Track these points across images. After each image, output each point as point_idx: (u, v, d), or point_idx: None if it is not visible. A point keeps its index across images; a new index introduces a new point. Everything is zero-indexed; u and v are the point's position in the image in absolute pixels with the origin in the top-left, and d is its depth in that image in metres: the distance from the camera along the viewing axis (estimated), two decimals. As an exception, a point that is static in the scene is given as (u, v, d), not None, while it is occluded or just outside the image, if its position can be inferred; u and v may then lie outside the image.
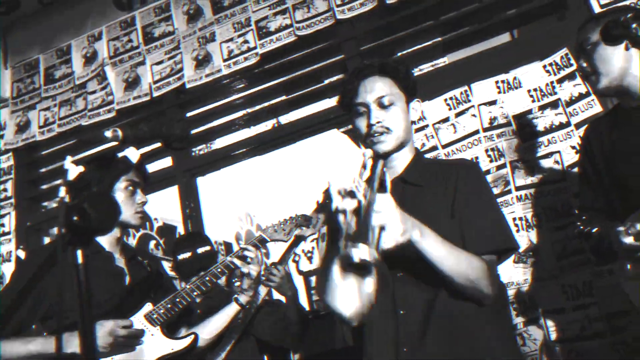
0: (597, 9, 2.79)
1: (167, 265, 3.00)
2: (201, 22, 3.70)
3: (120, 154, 1.15)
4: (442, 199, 1.78)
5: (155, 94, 3.69)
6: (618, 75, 1.95)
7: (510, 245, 1.78)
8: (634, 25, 1.53)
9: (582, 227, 1.99)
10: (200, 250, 2.92)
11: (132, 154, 1.14)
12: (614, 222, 1.87)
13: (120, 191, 2.19)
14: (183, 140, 1.23)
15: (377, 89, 1.83)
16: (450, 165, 1.95)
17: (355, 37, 3.36)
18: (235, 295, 2.50)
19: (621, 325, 2.45)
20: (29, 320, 2.11)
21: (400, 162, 1.87)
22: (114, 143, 1.09)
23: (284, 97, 3.60)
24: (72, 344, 1.84)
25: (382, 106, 1.82)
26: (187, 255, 2.91)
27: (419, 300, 1.68)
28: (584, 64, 2.02)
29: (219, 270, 2.36)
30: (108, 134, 1.08)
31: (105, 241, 2.22)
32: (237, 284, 2.80)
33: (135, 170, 2.25)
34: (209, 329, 2.43)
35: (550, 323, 2.60)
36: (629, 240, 1.74)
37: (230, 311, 2.46)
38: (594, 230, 1.93)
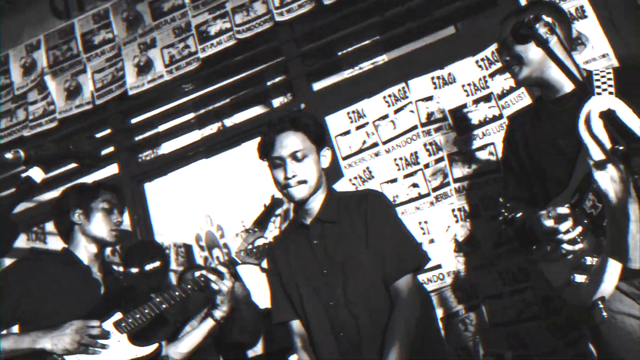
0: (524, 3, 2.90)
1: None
2: (141, 28, 3.68)
3: (24, 175, 1.16)
4: (356, 231, 2.08)
5: (98, 102, 3.67)
6: (538, 66, 2.00)
7: (424, 262, 2.14)
8: (537, 26, 1.61)
9: (506, 214, 2.08)
10: (148, 267, 2.93)
11: (36, 174, 1.15)
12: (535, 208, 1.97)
13: (97, 210, 2.42)
14: (94, 157, 1.24)
15: (290, 144, 2.08)
16: (359, 197, 2.19)
17: (295, 38, 3.40)
18: (211, 311, 2.50)
19: (555, 307, 2.56)
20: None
21: (316, 203, 2.15)
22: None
23: (227, 100, 3.62)
24: (42, 341, 2.12)
25: (297, 159, 2.08)
26: (135, 271, 2.92)
27: (352, 322, 2.03)
28: (507, 57, 2.08)
29: (189, 286, 2.40)
30: (9, 155, 1.09)
31: (84, 256, 2.42)
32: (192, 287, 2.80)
33: (114, 192, 2.52)
34: (185, 344, 2.46)
35: (489, 308, 2.70)
36: (549, 223, 1.82)
37: (206, 327, 2.45)
38: (518, 215, 2.02)
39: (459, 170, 2.87)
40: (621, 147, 1.22)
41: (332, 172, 3.11)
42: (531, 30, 1.63)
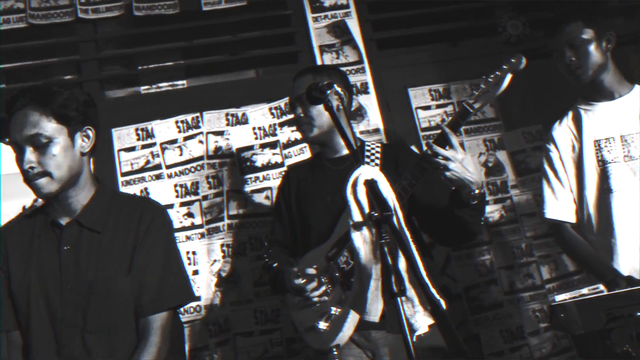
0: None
1: None
2: None
3: None
4: (121, 248, 1.78)
5: None
6: (326, 129, 2.21)
7: (187, 300, 1.94)
8: (328, 92, 1.80)
9: (267, 260, 2.22)
10: None
11: None
12: (294, 257, 2.15)
13: None
14: None
15: (29, 125, 1.69)
16: (137, 205, 1.88)
17: (96, 40, 3.25)
18: None
19: (297, 349, 2.76)
20: None
21: (79, 199, 1.81)
22: None
23: (4, 86, 3.27)
24: None
25: (37, 146, 1.70)
26: None
27: (85, 355, 1.74)
28: (301, 114, 2.24)
29: None
30: None
31: None
32: None
33: None
34: None
35: (239, 345, 2.80)
36: (299, 281, 2.00)
37: None
38: (274, 265, 2.17)
39: (235, 209, 2.97)
40: (376, 214, 1.42)
41: (108, 185, 2.98)
42: (323, 94, 1.81)
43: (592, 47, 2.20)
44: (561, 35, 2.23)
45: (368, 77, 3.20)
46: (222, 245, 2.92)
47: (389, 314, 1.72)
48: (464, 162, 1.82)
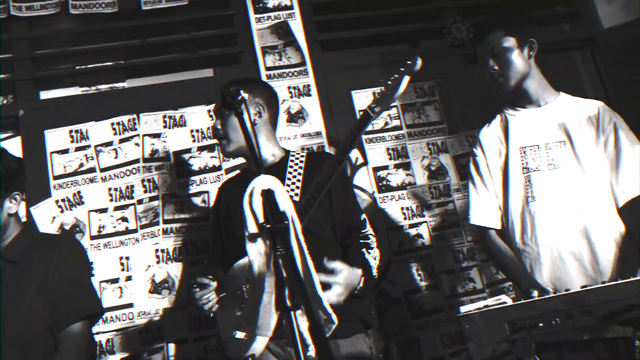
0: (262, 70, 3.15)
1: None
2: None
3: None
4: (34, 275, 2.06)
5: None
6: (243, 142, 2.14)
7: (97, 311, 2.18)
8: (238, 98, 1.75)
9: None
10: None
11: None
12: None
13: None
14: None
15: None
16: (51, 239, 2.22)
17: (30, 38, 3.15)
18: None
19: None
20: None
21: (5, 242, 2.12)
22: None
23: None
24: None
25: None
26: None
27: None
28: (218, 126, 2.23)
29: None
30: None
31: None
32: None
33: None
34: None
35: (172, 352, 2.74)
36: (192, 290, 2.06)
37: None
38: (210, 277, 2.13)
39: (171, 213, 2.91)
40: (268, 225, 1.38)
41: (40, 191, 2.90)
42: (234, 100, 1.76)
43: (514, 55, 2.19)
44: (483, 44, 2.22)
45: (311, 80, 3.16)
46: (157, 251, 2.85)
47: (285, 328, 1.68)
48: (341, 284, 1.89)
